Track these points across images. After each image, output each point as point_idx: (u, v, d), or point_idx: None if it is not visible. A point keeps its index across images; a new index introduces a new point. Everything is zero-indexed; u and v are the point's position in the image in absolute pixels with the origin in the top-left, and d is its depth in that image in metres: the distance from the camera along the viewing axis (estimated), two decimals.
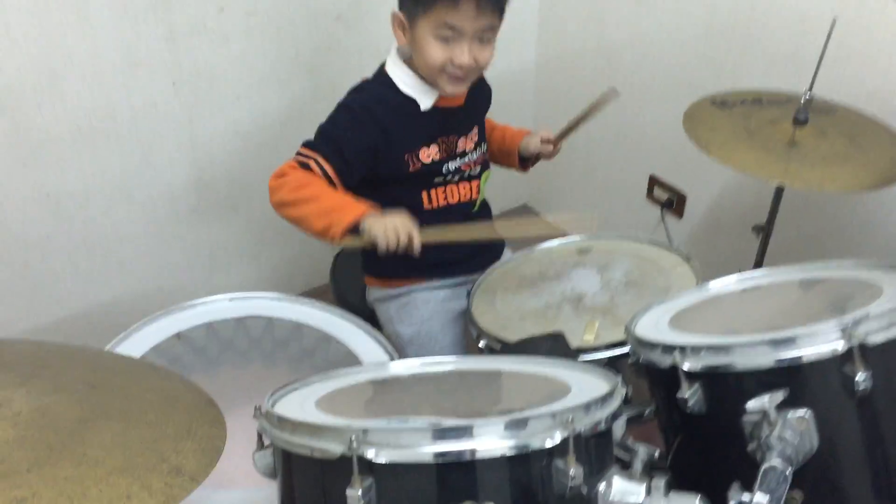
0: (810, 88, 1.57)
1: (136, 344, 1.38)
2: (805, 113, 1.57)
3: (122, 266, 2.16)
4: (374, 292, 1.73)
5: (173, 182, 2.13)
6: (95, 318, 2.16)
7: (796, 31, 1.88)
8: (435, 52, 1.45)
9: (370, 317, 1.73)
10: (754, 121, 1.62)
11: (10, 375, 0.95)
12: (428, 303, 1.67)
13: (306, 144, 1.51)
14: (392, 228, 1.36)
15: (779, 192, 1.79)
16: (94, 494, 0.76)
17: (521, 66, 2.67)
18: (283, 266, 2.45)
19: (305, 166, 1.47)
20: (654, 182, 2.44)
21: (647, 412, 1.46)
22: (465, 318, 1.69)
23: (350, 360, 1.41)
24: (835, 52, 1.58)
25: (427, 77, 1.52)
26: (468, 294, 1.62)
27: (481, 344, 1.49)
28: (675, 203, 2.39)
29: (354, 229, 1.38)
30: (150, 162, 2.06)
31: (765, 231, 1.83)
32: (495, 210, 2.85)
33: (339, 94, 1.57)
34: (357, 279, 1.77)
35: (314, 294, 2.02)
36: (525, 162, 1.83)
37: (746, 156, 1.52)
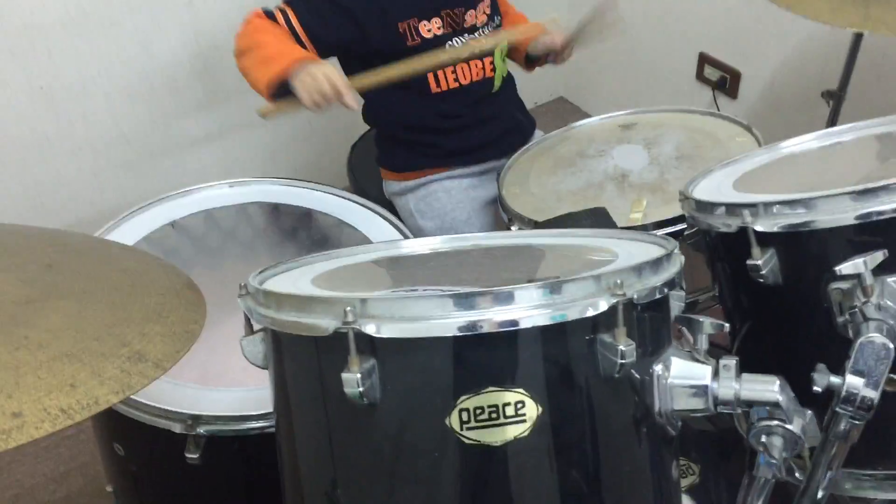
0: None
1: (127, 233, 1.25)
2: None
3: (129, 167, 2.01)
4: (392, 185, 1.56)
5: (177, 73, 1.96)
6: (102, 219, 2.02)
7: None
8: None
9: (389, 207, 1.56)
10: None
11: None
12: (450, 192, 1.50)
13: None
14: (312, 84, 1.19)
15: (854, 49, 1.56)
16: (29, 382, 0.62)
17: None
18: (301, 160, 2.28)
19: (271, 16, 1.32)
20: (704, 60, 2.21)
21: (701, 299, 1.30)
22: (495, 208, 1.52)
23: None
24: None
25: None
26: (497, 177, 1.44)
27: (514, 228, 1.32)
28: (727, 83, 2.16)
29: (285, 88, 1.21)
30: (151, 52, 1.90)
31: (836, 98, 1.61)
32: (529, 103, 2.66)
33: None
34: (377, 172, 1.61)
35: (328, 179, 1.87)
36: (532, 62, 1.59)
37: (820, 2, 1.30)
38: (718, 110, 2.18)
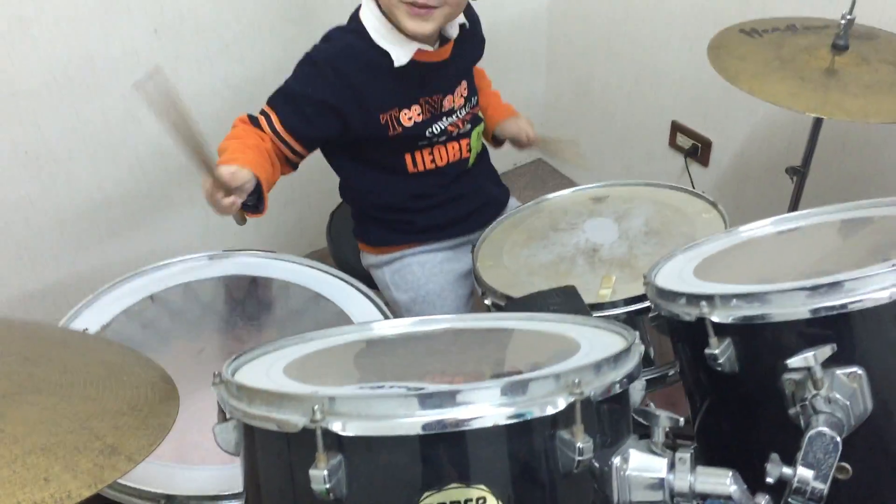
0: (851, 9, 1.40)
1: (106, 307, 1.26)
2: (845, 38, 1.42)
3: (110, 228, 2.04)
4: (368, 258, 1.60)
5: (162, 139, 1.97)
6: (84, 284, 2.03)
7: None
8: None
9: (367, 278, 1.59)
10: (788, 49, 1.45)
11: None
12: (424, 265, 1.53)
13: (268, 99, 1.39)
14: (208, 197, 1.23)
15: (815, 129, 1.62)
16: (3, 476, 0.64)
17: (532, 12, 2.50)
18: (284, 226, 2.32)
19: (255, 122, 1.35)
20: (676, 128, 2.27)
21: (671, 373, 1.33)
22: (470, 280, 1.56)
23: (342, 321, 1.28)
24: None
25: (387, 12, 1.33)
26: (472, 248, 1.48)
27: (487, 301, 1.35)
28: (699, 150, 2.22)
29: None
30: (134, 116, 1.93)
31: (800, 173, 1.66)
32: (508, 164, 2.72)
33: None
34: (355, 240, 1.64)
35: (317, 257, 1.90)
36: (497, 141, 1.66)
37: (780, 87, 1.36)
38: (690, 176, 2.25)
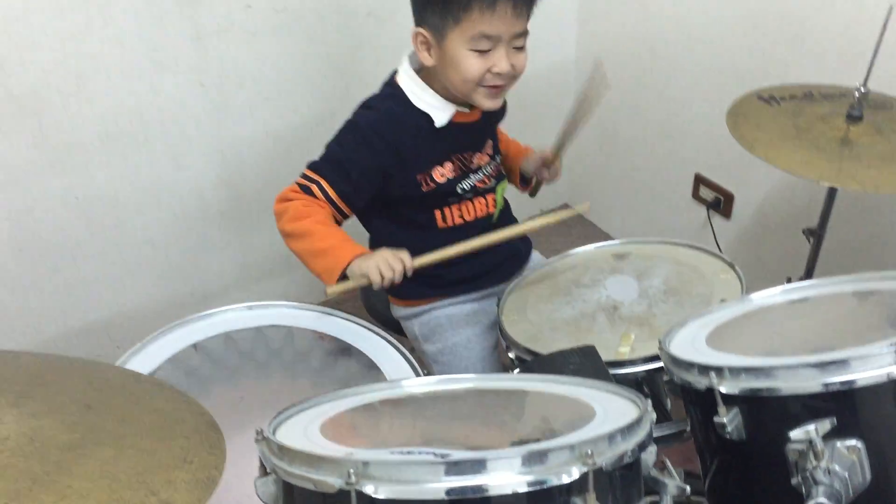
0: (865, 82, 1.47)
1: (152, 355, 1.34)
2: (859, 109, 1.47)
3: (152, 270, 2.13)
4: (398, 310, 1.67)
5: (202, 185, 2.10)
6: (126, 322, 2.14)
7: (850, 20, 1.76)
8: (471, 64, 1.36)
9: (397, 325, 1.67)
10: (804, 117, 1.51)
11: (3, 394, 0.91)
12: (451, 318, 1.60)
13: (311, 166, 1.45)
14: (383, 261, 1.34)
15: (831, 194, 1.68)
16: None
17: (561, 64, 2.58)
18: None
19: (307, 191, 1.42)
20: (699, 181, 2.33)
21: (688, 429, 1.38)
22: (495, 331, 1.62)
23: (373, 371, 1.35)
24: (892, 42, 1.47)
25: (461, 93, 1.42)
26: (498, 301, 1.54)
27: (511, 354, 1.41)
28: (722, 203, 2.28)
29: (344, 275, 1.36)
30: (179, 164, 2.03)
31: (816, 235, 1.72)
32: (534, 209, 2.78)
33: (372, 93, 1.51)
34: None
35: (347, 300, 1.97)
36: (526, 182, 1.73)
37: (795, 155, 1.42)
38: (713, 228, 2.31)
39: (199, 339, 1.39)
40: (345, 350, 1.40)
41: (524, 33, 1.39)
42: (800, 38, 1.90)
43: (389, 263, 1.33)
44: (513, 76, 1.41)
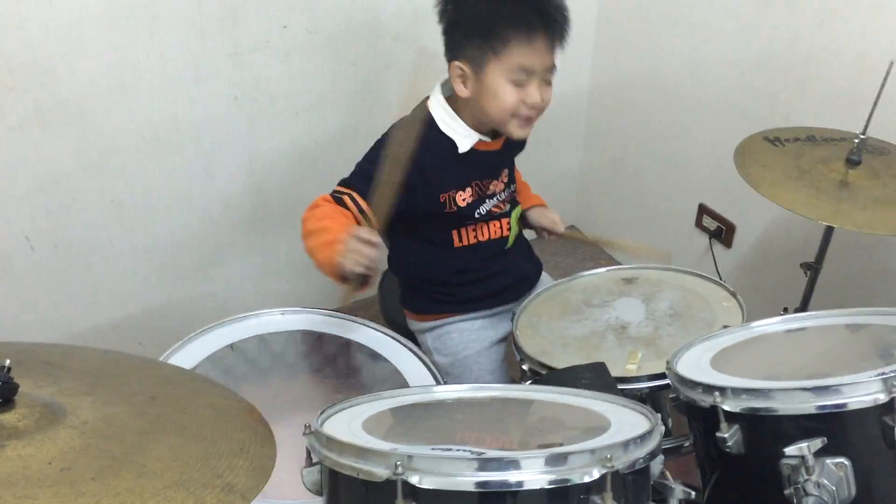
0: (865, 129, 1.57)
1: (192, 353, 1.44)
2: (858, 154, 1.57)
3: (179, 272, 2.23)
4: (413, 323, 1.77)
5: (231, 193, 2.19)
6: (152, 320, 2.23)
7: (854, 69, 1.88)
8: (509, 95, 1.46)
9: (413, 336, 1.76)
10: (806, 159, 1.62)
11: (77, 384, 1.01)
12: (462, 332, 1.70)
13: (342, 181, 1.54)
14: (348, 252, 1.34)
15: (829, 231, 1.78)
16: None
17: (574, 92, 2.69)
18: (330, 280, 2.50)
19: (340, 201, 1.49)
20: (703, 210, 2.44)
21: (686, 445, 1.47)
22: (503, 345, 1.73)
23: (396, 378, 1.45)
24: (892, 92, 1.58)
25: (495, 122, 1.52)
26: (513, 317, 1.64)
27: (524, 367, 1.51)
28: (723, 233, 2.39)
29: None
30: (210, 173, 2.13)
31: (813, 269, 1.82)
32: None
33: (395, 113, 1.61)
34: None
35: (361, 307, 2.06)
36: (526, 223, 1.82)
37: (797, 195, 1.52)
38: (714, 256, 2.41)
39: (236, 340, 1.49)
40: (370, 357, 1.50)
41: (553, 67, 1.49)
42: (804, 83, 2.01)
43: (355, 250, 1.33)
44: (542, 108, 1.51)
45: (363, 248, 1.34)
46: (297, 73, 2.12)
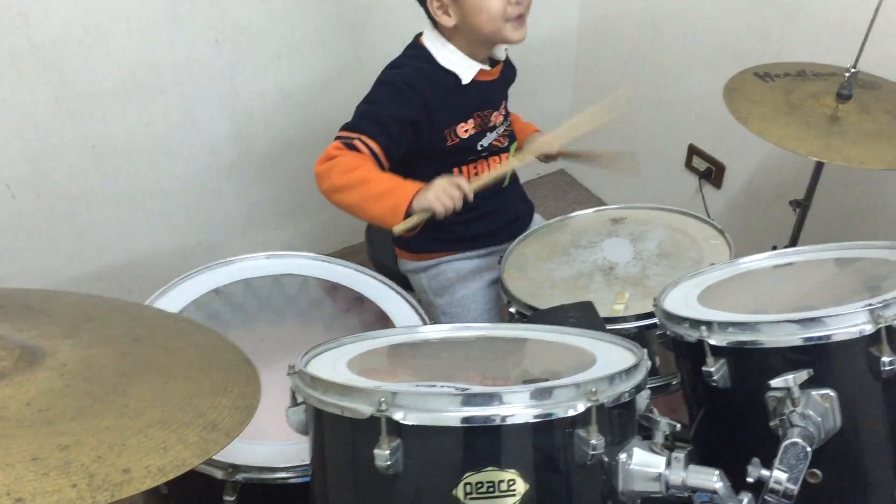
0: (855, 63, 1.55)
1: (177, 298, 1.42)
2: (849, 88, 1.55)
3: (163, 219, 2.21)
4: (406, 264, 1.76)
5: (214, 137, 2.16)
6: (136, 268, 2.22)
7: (844, 3, 1.84)
8: (493, 1, 1.44)
9: (403, 279, 1.75)
10: (796, 94, 1.60)
11: (57, 327, 0.99)
12: (458, 272, 1.69)
13: (347, 127, 1.51)
14: (442, 191, 1.40)
15: (818, 168, 1.77)
16: (133, 444, 0.80)
17: (562, 31, 2.64)
18: (320, 224, 2.48)
19: (352, 147, 1.47)
20: (693, 151, 2.42)
21: (673, 383, 1.48)
22: (498, 286, 1.71)
23: (382, 320, 1.44)
24: (883, 26, 1.55)
25: (490, 33, 1.49)
26: (500, 260, 1.63)
27: (512, 309, 1.51)
28: (713, 173, 2.37)
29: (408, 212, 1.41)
30: (192, 117, 2.10)
31: (802, 206, 1.81)
32: (532, 174, 2.87)
33: (380, 54, 1.57)
34: (391, 241, 1.80)
35: (349, 253, 2.05)
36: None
37: (786, 130, 1.50)
38: (703, 197, 2.40)
39: (221, 285, 1.48)
40: (357, 299, 1.49)
41: None
42: (795, 19, 1.97)
43: (448, 192, 1.40)
44: (528, 3, 1.49)
45: (457, 193, 1.40)
46: (278, 15, 2.07)
